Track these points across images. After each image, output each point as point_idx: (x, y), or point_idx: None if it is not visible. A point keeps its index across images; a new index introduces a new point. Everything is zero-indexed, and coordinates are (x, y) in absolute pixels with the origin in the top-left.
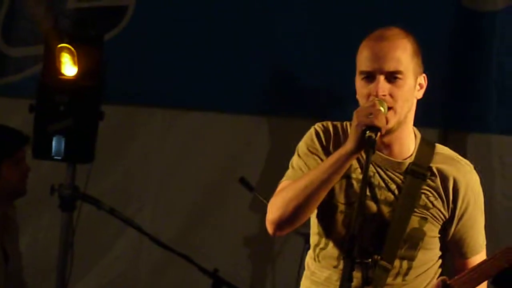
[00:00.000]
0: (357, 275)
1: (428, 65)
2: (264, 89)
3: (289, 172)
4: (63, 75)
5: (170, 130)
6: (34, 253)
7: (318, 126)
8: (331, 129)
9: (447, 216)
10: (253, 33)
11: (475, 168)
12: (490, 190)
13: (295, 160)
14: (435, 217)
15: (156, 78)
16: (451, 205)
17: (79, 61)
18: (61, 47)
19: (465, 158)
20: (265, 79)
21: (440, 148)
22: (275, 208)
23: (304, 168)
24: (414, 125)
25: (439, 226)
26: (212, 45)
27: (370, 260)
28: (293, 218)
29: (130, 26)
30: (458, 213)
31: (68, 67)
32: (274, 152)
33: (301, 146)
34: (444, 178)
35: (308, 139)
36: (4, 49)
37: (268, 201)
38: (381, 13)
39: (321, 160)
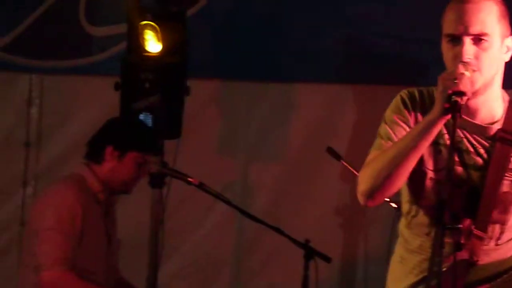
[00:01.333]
0: (449, 241)
1: None
2: (347, 57)
3: (377, 141)
4: (147, 52)
5: (256, 103)
6: (126, 231)
7: (404, 93)
8: (417, 95)
9: None
10: (334, 2)
11: None
12: None
13: (382, 129)
14: None
15: (239, 52)
16: None
17: (163, 38)
18: (144, 24)
19: None
20: (349, 48)
21: None
22: (365, 179)
23: (392, 137)
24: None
25: None
26: (293, 17)
27: (461, 225)
28: (384, 188)
29: (210, 1)
30: None
31: (152, 44)
32: (361, 120)
33: (388, 114)
34: None
35: (395, 107)
36: (88, 29)
37: (356, 170)
38: None
39: (409, 127)
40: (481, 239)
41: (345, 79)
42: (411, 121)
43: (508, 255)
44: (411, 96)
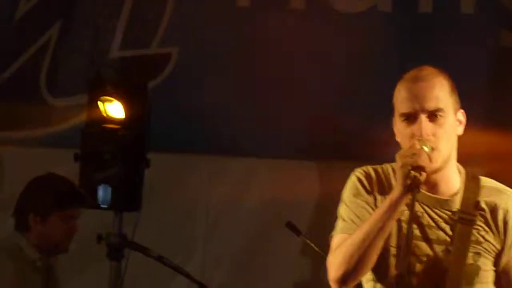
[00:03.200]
0: None
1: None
2: (309, 133)
3: (340, 224)
4: (107, 124)
5: (217, 177)
6: None
7: (359, 173)
8: (372, 173)
9: (499, 248)
10: (291, 80)
11: None
12: None
13: (343, 211)
14: (487, 251)
15: (200, 126)
16: (501, 236)
17: (123, 110)
18: (104, 96)
19: None
20: (306, 124)
21: (486, 181)
22: (337, 266)
23: (355, 219)
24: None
25: (493, 259)
26: (253, 92)
27: None
28: (357, 271)
29: (173, 74)
30: (508, 243)
31: (112, 116)
32: (321, 195)
33: (347, 196)
34: (493, 211)
35: (353, 188)
36: (48, 100)
37: (316, 246)
38: (415, 52)
39: (370, 207)
40: None
41: (307, 155)
42: (371, 200)
43: None
44: (367, 176)
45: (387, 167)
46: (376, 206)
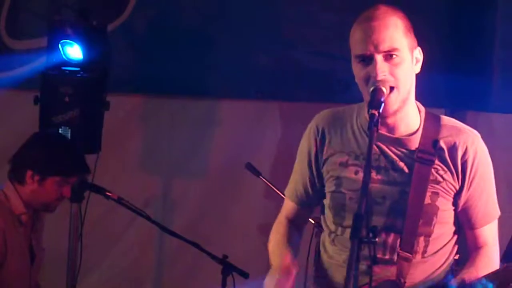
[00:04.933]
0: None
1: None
2: (272, 74)
3: (288, 185)
4: (66, 66)
5: (177, 119)
6: (45, 245)
7: (312, 123)
8: (329, 118)
9: (457, 187)
10: (260, 20)
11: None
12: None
13: (296, 162)
14: (446, 190)
15: (160, 67)
16: (460, 175)
17: (83, 52)
18: (64, 38)
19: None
20: (272, 66)
21: (446, 120)
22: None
23: (297, 174)
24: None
25: (451, 199)
26: (218, 32)
27: (377, 239)
28: None
29: (132, 16)
30: (467, 182)
31: (72, 58)
32: (285, 137)
33: (300, 146)
34: (452, 150)
35: (304, 140)
36: (8, 43)
37: (276, 187)
38: None
39: (308, 164)
40: (407, 260)
41: (269, 96)
42: (313, 155)
43: (434, 268)
44: (320, 124)
45: (353, 107)
46: (317, 156)
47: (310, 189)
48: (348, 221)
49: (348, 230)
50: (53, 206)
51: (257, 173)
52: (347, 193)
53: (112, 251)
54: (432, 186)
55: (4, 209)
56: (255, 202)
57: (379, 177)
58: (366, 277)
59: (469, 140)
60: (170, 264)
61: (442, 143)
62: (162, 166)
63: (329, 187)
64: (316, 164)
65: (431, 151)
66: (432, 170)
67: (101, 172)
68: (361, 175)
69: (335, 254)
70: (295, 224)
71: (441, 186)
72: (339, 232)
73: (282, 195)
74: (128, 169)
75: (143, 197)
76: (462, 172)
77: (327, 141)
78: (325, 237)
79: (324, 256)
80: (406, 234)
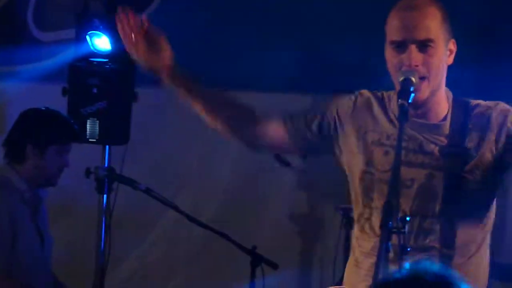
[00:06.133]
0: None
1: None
2: (296, 67)
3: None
4: (94, 57)
5: None
6: (73, 238)
7: (356, 95)
8: (368, 95)
9: (494, 152)
10: (278, 12)
11: None
12: None
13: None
14: (480, 168)
15: (188, 59)
16: (496, 140)
17: (111, 43)
18: (92, 30)
19: None
20: (294, 57)
21: (474, 103)
22: None
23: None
24: None
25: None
26: (240, 24)
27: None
28: None
29: (161, 6)
30: (503, 137)
31: (100, 50)
32: None
33: (329, 104)
34: (482, 124)
35: (340, 102)
36: (36, 35)
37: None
38: None
39: (324, 118)
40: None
41: (301, 88)
42: (335, 115)
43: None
44: (357, 101)
45: (390, 93)
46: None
47: (304, 126)
48: (376, 202)
49: (375, 214)
50: (55, 178)
51: (286, 163)
52: (376, 174)
53: (141, 243)
54: (462, 170)
55: (8, 189)
56: (284, 192)
57: (407, 159)
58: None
59: (495, 111)
60: (199, 256)
61: (471, 125)
62: (190, 157)
63: (357, 165)
64: (328, 126)
65: (460, 135)
66: (462, 154)
67: (129, 164)
68: (390, 156)
69: (364, 241)
70: (253, 116)
71: (474, 167)
72: (366, 214)
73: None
74: (156, 161)
75: (171, 188)
76: (496, 141)
77: (361, 118)
78: (354, 225)
79: (355, 244)
80: (436, 218)
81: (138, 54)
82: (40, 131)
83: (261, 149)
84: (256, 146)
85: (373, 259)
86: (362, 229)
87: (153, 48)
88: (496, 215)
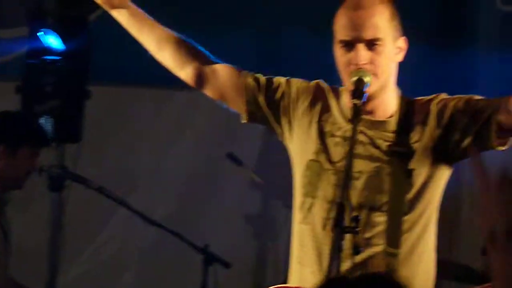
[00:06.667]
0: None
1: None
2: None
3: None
4: (47, 55)
5: (160, 109)
6: (25, 235)
7: (314, 83)
8: (323, 91)
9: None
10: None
11: None
12: None
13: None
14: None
15: (143, 57)
16: (435, 131)
17: (64, 42)
18: (45, 28)
19: None
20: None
21: (419, 99)
22: None
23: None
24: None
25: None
26: (199, 24)
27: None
28: None
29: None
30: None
31: (53, 48)
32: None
33: (292, 79)
34: (423, 122)
35: (301, 83)
36: None
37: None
38: None
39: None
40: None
41: None
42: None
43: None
44: (320, 90)
45: (341, 89)
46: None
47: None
48: (320, 192)
49: (317, 204)
50: (23, 181)
51: (239, 163)
52: (325, 164)
53: (93, 241)
54: (408, 162)
55: None
56: (238, 192)
57: (356, 151)
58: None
59: (434, 103)
60: (151, 255)
61: (415, 119)
62: (144, 155)
63: (306, 152)
64: (276, 101)
65: (406, 131)
66: (408, 150)
67: (82, 162)
68: (340, 148)
69: (305, 235)
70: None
71: (420, 159)
72: (307, 204)
73: (261, 181)
74: (109, 159)
75: (124, 187)
76: (444, 135)
77: (316, 106)
78: (295, 217)
79: (296, 238)
80: (385, 211)
81: None
82: (13, 132)
83: (204, 89)
84: (200, 85)
85: (316, 252)
86: (303, 221)
87: None
88: (453, 218)
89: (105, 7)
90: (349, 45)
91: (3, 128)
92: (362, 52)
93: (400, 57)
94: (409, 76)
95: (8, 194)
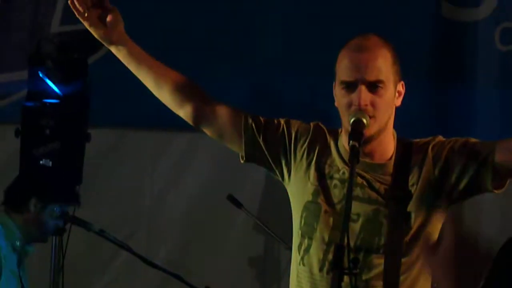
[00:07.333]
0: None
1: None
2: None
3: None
4: (47, 98)
5: (160, 152)
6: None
7: (313, 124)
8: (322, 132)
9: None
10: (235, 57)
11: None
12: None
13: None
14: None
15: (142, 100)
16: (440, 171)
17: (63, 84)
18: (44, 71)
19: None
20: (248, 99)
21: (416, 141)
22: None
23: (260, 122)
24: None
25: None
26: (196, 67)
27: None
28: None
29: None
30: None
31: (52, 91)
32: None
33: (291, 120)
34: (420, 165)
35: (301, 124)
36: None
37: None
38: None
39: (283, 132)
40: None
41: None
42: (295, 135)
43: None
44: (315, 129)
45: (338, 130)
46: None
47: (254, 130)
48: (318, 234)
49: (314, 245)
50: (47, 235)
51: (239, 205)
52: (323, 206)
53: (94, 285)
54: (405, 205)
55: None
56: (241, 234)
57: (355, 194)
58: None
59: (431, 143)
60: None
61: (412, 162)
62: (144, 198)
63: (305, 193)
64: (284, 140)
65: (403, 174)
66: (404, 194)
67: (82, 205)
68: (338, 190)
69: (302, 277)
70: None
71: (417, 203)
72: (305, 245)
73: (261, 224)
74: (109, 202)
75: (125, 229)
76: (440, 177)
77: (315, 147)
78: (293, 258)
79: (293, 280)
80: (383, 253)
81: (90, 23)
82: (46, 187)
83: (203, 128)
84: (199, 124)
85: None
86: (301, 262)
87: (104, 16)
88: None
89: (104, 42)
90: (351, 86)
91: (38, 182)
92: (364, 93)
93: (399, 101)
94: (408, 115)
95: (32, 246)
